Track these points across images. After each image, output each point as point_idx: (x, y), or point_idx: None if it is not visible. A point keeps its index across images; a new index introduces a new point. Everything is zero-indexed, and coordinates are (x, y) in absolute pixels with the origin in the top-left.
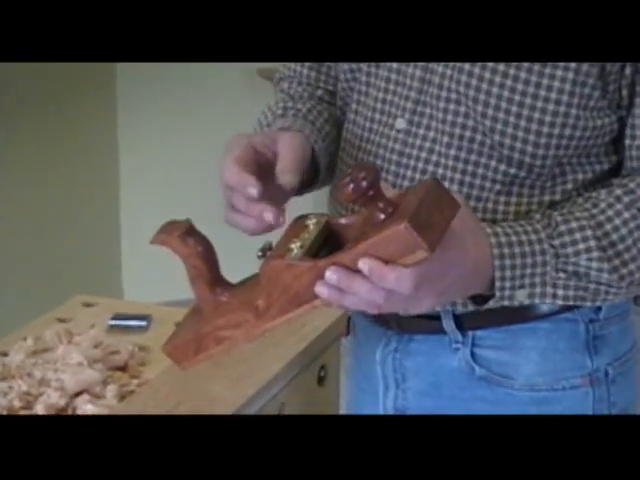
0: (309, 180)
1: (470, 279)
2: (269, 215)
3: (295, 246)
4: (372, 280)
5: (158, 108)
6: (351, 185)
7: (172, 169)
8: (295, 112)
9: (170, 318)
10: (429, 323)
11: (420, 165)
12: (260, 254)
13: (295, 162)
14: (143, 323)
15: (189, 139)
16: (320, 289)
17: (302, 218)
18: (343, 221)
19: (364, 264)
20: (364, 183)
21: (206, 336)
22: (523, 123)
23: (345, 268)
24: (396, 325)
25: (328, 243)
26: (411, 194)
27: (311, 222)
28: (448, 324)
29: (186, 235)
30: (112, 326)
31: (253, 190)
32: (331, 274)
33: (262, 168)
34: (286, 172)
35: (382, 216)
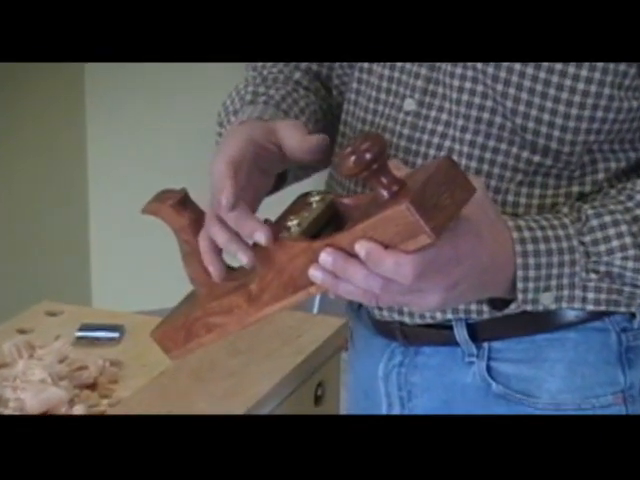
0: (279, 178)
1: (486, 275)
2: (261, 236)
3: (292, 224)
4: (369, 265)
5: (128, 106)
6: (353, 157)
7: (143, 169)
8: (266, 99)
9: (145, 328)
10: (439, 333)
11: (431, 152)
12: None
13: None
14: (115, 334)
15: (160, 138)
16: (314, 272)
17: (306, 195)
18: (350, 201)
19: (361, 247)
20: (368, 155)
21: (196, 322)
22: (549, 104)
23: (341, 251)
24: (401, 335)
25: (332, 224)
26: (420, 171)
27: (314, 200)
28: (460, 334)
29: (180, 205)
30: (79, 338)
31: (225, 201)
32: (326, 256)
33: (260, 166)
34: (305, 149)
35: (386, 194)
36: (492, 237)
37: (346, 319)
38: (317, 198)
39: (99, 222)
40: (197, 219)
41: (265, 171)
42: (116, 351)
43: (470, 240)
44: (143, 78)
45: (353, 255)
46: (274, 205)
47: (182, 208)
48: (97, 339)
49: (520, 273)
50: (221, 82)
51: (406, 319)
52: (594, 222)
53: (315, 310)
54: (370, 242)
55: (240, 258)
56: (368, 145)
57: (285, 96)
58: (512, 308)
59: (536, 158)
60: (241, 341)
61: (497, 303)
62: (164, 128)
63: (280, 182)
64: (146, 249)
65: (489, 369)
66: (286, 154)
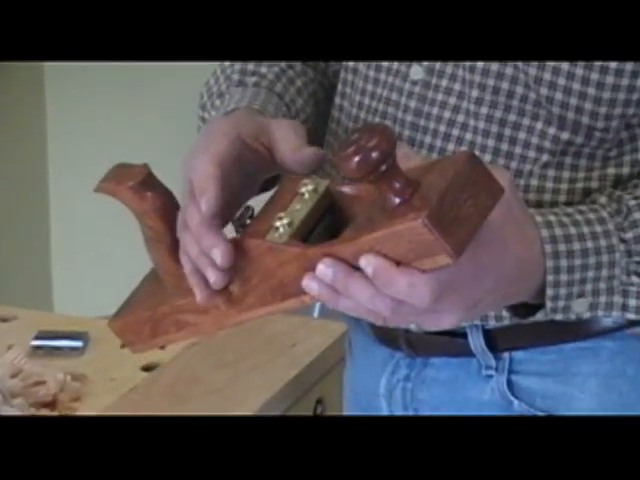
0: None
1: (511, 286)
2: (217, 255)
3: (281, 223)
4: (376, 285)
5: (89, 106)
6: (357, 157)
7: (105, 169)
8: (257, 80)
9: (113, 337)
10: (450, 341)
11: (442, 128)
12: (237, 224)
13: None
14: (77, 344)
15: (123, 139)
16: (309, 284)
17: (296, 180)
18: (351, 190)
19: (367, 263)
20: (375, 154)
21: (164, 317)
22: (580, 71)
23: (342, 263)
24: (406, 344)
25: (328, 217)
26: (437, 171)
27: (307, 189)
28: (476, 342)
29: (142, 186)
30: (36, 347)
31: (206, 206)
32: (325, 269)
33: (243, 169)
34: (298, 160)
35: (397, 200)
36: (519, 242)
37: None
38: (310, 187)
39: (60, 219)
40: (162, 202)
41: (247, 175)
42: (79, 363)
43: (494, 251)
44: (105, 78)
45: (356, 267)
46: None
47: (144, 190)
48: (57, 349)
49: (551, 278)
50: (187, 81)
51: (412, 325)
52: (637, 215)
53: (315, 314)
54: (378, 258)
55: (208, 277)
56: (375, 142)
57: (279, 74)
58: (539, 317)
59: (565, 135)
60: (226, 351)
61: (520, 310)
62: (127, 128)
63: (268, 185)
64: (112, 247)
65: (510, 384)
66: (276, 160)
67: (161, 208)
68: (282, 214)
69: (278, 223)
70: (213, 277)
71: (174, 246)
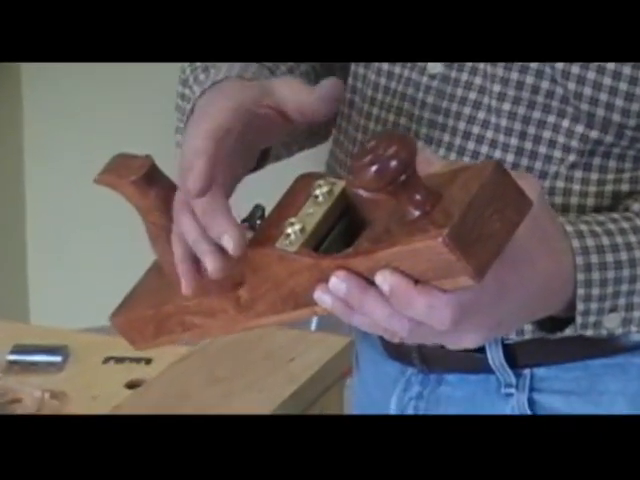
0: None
1: (538, 304)
2: (229, 242)
3: (293, 230)
4: (394, 304)
5: (65, 109)
6: (374, 167)
7: (81, 172)
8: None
9: (95, 351)
10: (467, 356)
11: (461, 126)
12: (246, 224)
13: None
14: (56, 358)
15: (101, 145)
16: (322, 297)
17: (309, 179)
18: (367, 193)
19: (384, 281)
20: (394, 163)
21: (169, 317)
22: (611, 65)
23: (357, 277)
24: (419, 359)
25: (343, 219)
26: (460, 182)
27: (321, 191)
28: (495, 358)
29: (145, 181)
30: (12, 362)
31: (192, 184)
32: (338, 283)
33: (247, 139)
34: (313, 90)
35: (416, 213)
36: (547, 257)
37: (351, 338)
38: (325, 189)
39: (37, 225)
40: (167, 196)
41: (250, 146)
42: (58, 379)
43: (520, 268)
44: (82, 79)
45: (372, 282)
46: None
47: (147, 185)
48: (34, 364)
49: (581, 292)
50: (159, 82)
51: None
52: None
53: (313, 327)
54: (395, 275)
55: (206, 264)
56: (394, 150)
57: None
58: (567, 333)
59: (593, 134)
60: (218, 366)
61: (547, 324)
62: (107, 135)
63: (261, 160)
64: (93, 254)
65: (531, 403)
66: (290, 116)
67: (165, 204)
68: (294, 219)
69: (289, 229)
70: (212, 264)
71: None
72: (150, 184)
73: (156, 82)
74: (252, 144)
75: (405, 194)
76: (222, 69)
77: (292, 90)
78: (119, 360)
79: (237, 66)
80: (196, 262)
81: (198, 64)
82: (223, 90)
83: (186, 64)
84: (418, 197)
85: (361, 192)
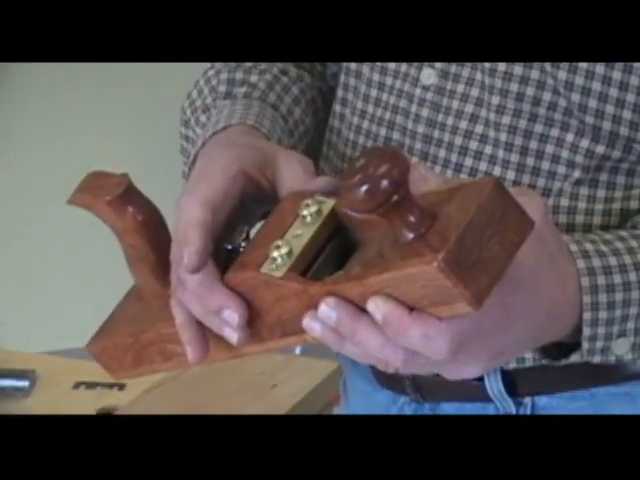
0: None
1: (542, 331)
2: (234, 317)
3: (279, 253)
4: (387, 333)
5: (33, 130)
6: (364, 187)
7: (49, 191)
8: (247, 90)
9: (64, 376)
10: (463, 384)
11: (458, 141)
12: (229, 248)
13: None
14: (23, 383)
15: (70, 164)
16: (311, 325)
17: (296, 199)
18: (357, 214)
19: (376, 308)
20: (385, 183)
21: (149, 345)
22: (618, 75)
23: (348, 304)
24: (412, 388)
25: (333, 240)
26: (457, 202)
27: (308, 211)
28: (494, 386)
29: (121, 200)
30: None
31: (187, 259)
32: (328, 311)
33: (245, 204)
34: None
35: (410, 235)
36: (552, 280)
37: (338, 363)
38: (313, 209)
39: (0, 245)
40: (144, 218)
41: (249, 209)
42: (25, 405)
43: (524, 294)
44: (61, 81)
45: (363, 309)
46: None
47: (124, 205)
48: (0, 390)
49: (588, 315)
50: (148, 78)
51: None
52: None
53: (297, 351)
54: (389, 303)
55: (229, 338)
56: (385, 169)
57: (271, 83)
58: (573, 359)
59: (600, 148)
60: (194, 394)
61: (552, 350)
62: (74, 148)
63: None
64: (61, 275)
65: None
66: (279, 196)
67: (143, 225)
68: (280, 242)
69: (275, 253)
70: (236, 336)
71: (158, 265)
72: (127, 204)
73: (132, 85)
74: (249, 206)
75: (398, 216)
76: (223, 112)
77: (291, 173)
78: (90, 385)
79: (238, 110)
80: (200, 326)
81: (198, 104)
82: (229, 153)
83: (186, 103)
84: (412, 219)
85: (351, 213)
